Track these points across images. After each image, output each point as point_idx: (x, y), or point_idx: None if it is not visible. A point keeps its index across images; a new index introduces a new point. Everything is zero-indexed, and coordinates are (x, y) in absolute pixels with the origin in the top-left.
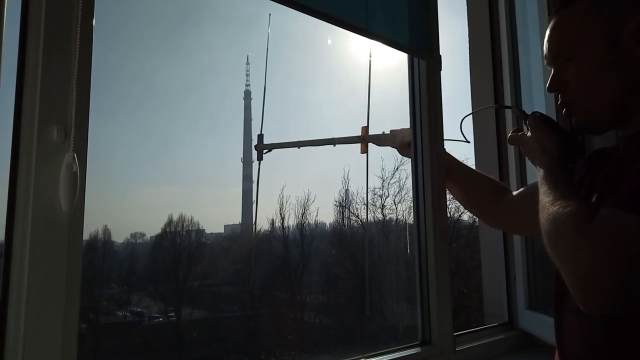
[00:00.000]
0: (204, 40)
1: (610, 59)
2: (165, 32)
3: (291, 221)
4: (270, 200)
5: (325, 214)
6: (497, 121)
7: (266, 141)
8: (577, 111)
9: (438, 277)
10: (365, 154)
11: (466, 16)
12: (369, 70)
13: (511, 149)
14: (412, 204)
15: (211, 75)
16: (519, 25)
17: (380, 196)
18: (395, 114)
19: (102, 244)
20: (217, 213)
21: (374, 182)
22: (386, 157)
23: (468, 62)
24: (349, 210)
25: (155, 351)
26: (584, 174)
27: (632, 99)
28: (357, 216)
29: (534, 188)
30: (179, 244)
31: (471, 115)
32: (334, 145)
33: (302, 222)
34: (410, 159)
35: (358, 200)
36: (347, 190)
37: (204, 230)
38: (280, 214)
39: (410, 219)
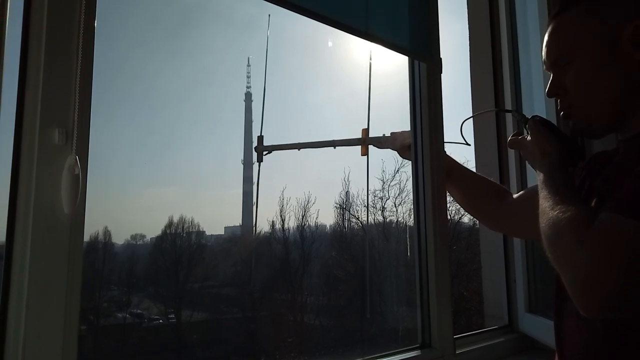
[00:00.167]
0: (205, 42)
1: (609, 63)
2: (167, 34)
3: (291, 223)
4: (271, 202)
5: (325, 216)
6: (498, 124)
7: (266, 143)
8: (576, 115)
9: (438, 280)
10: (366, 156)
11: (467, 18)
12: (369, 73)
13: (511, 152)
14: (412, 206)
15: (212, 76)
16: (520, 28)
17: (381, 198)
18: (395, 116)
19: (102, 246)
20: (217, 215)
21: (375, 184)
22: (387, 159)
23: (469, 65)
24: (350, 212)
25: (155, 353)
26: (584, 178)
27: (632, 103)
28: (358, 218)
29: (535, 191)
30: (179, 245)
31: (471, 118)
32: (335, 147)
33: (303, 224)
34: (410, 162)
35: (358, 203)
36: (347, 193)
37: (205, 231)
38: (281, 216)
39: (411, 222)
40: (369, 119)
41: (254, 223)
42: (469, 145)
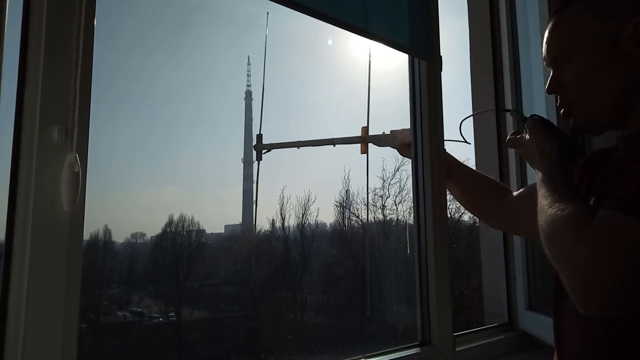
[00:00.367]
0: (205, 41)
1: (609, 60)
2: (166, 33)
3: (292, 221)
4: (271, 201)
5: (325, 214)
6: (498, 122)
7: (266, 141)
8: (575, 112)
9: (438, 278)
10: (366, 154)
11: (467, 16)
12: (369, 71)
13: (511, 151)
14: (412, 205)
15: (212, 75)
16: (520, 26)
17: (381, 197)
18: (395, 114)
19: (102, 244)
20: (217, 213)
21: (375, 183)
22: (387, 157)
23: (469, 63)
24: (350, 210)
25: (156, 351)
26: (583, 176)
27: (631, 100)
28: (358, 216)
29: (534, 189)
30: (179, 244)
31: (471, 117)
32: (334, 146)
33: (303, 222)
34: (410, 160)
35: (358, 201)
36: (347, 191)
37: (205, 230)
38: (281, 214)
39: (411, 220)
40: (368, 117)
41: (254, 221)
42: (469, 143)
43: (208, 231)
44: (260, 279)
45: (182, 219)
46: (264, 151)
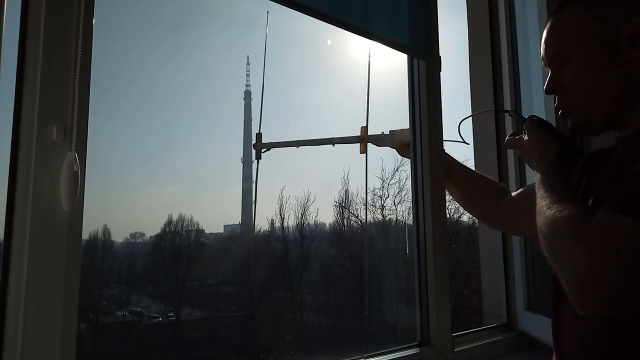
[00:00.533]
0: (205, 40)
1: (607, 61)
2: (166, 33)
3: (291, 221)
4: (270, 201)
5: (325, 215)
6: (497, 123)
7: (265, 140)
8: (573, 112)
9: (437, 278)
10: (365, 154)
11: (466, 17)
12: (368, 71)
13: (510, 151)
14: (411, 205)
15: (211, 75)
16: (519, 27)
17: (380, 197)
18: (394, 114)
19: (101, 244)
20: (216, 213)
21: (374, 183)
22: (386, 157)
23: (468, 63)
24: (349, 210)
25: (155, 351)
26: (581, 176)
27: (629, 100)
28: (357, 217)
29: (533, 189)
30: (178, 243)
31: (469, 118)
32: (333, 145)
33: (302, 222)
34: (409, 160)
35: (358, 201)
36: (347, 191)
37: (204, 230)
38: (280, 214)
39: (410, 220)
40: (367, 116)
41: (253, 221)
42: (468, 144)
43: (207, 231)
44: (259, 279)
45: (181, 218)
46: (263, 150)
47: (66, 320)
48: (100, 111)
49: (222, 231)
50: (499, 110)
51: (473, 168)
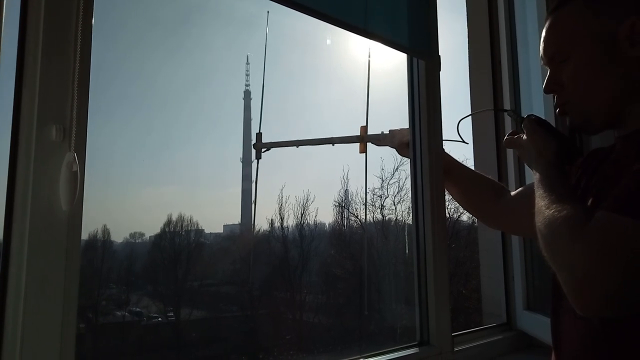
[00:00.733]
0: (204, 40)
1: (605, 60)
2: (166, 32)
3: (290, 221)
4: (270, 201)
5: (324, 214)
6: (496, 122)
7: (265, 140)
8: (572, 111)
9: (436, 278)
10: (364, 154)
11: (465, 16)
12: (368, 70)
13: (510, 151)
14: (411, 205)
15: (211, 75)
16: (519, 26)
17: (380, 196)
18: (394, 113)
19: (101, 244)
20: (216, 213)
21: (374, 183)
22: (385, 157)
23: (467, 63)
24: (349, 210)
25: (154, 351)
26: (580, 175)
27: (628, 99)
28: (357, 216)
29: (532, 188)
30: (178, 243)
31: (468, 117)
32: (333, 145)
33: (302, 222)
34: (409, 159)
35: (357, 201)
36: (346, 191)
37: (203, 230)
38: (280, 214)
39: (410, 220)
40: (367, 116)
41: (252, 221)
42: (467, 143)
43: (207, 231)
44: (259, 278)
45: (180, 218)
46: (263, 150)
47: (65, 320)
48: (100, 111)
49: (222, 231)
50: (498, 110)
51: (472, 168)
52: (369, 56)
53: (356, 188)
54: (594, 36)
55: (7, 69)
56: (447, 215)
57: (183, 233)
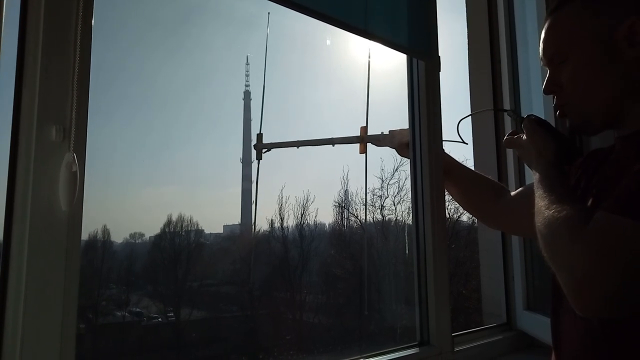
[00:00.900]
0: (204, 40)
1: (604, 60)
2: (166, 33)
3: (290, 221)
4: (270, 201)
5: (324, 215)
6: (496, 123)
7: (265, 141)
8: (572, 112)
9: (436, 278)
10: (364, 155)
11: (465, 17)
12: (367, 71)
13: (510, 151)
14: (411, 205)
15: (211, 75)
16: (518, 26)
17: (380, 197)
18: (394, 114)
19: (101, 244)
20: (216, 213)
21: (374, 183)
22: (385, 157)
23: (467, 63)
24: (348, 210)
25: (154, 351)
26: (580, 176)
27: (628, 100)
28: (357, 217)
29: (532, 188)
30: (178, 244)
31: (468, 117)
32: (333, 145)
33: (302, 222)
34: (409, 160)
35: (357, 201)
36: (346, 191)
37: (203, 230)
38: (280, 215)
39: (410, 220)
40: (367, 116)
41: (253, 221)
42: (467, 144)
43: (207, 231)
44: (259, 279)
45: (180, 219)
46: (264, 150)
47: (65, 321)
48: (100, 111)
49: (222, 231)
50: (497, 110)
51: (472, 168)
52: (369, 57)
53: (356, 188)
54: (593, 37)
55: (7, 69)
56: (447, 216)
57: (183, 233)
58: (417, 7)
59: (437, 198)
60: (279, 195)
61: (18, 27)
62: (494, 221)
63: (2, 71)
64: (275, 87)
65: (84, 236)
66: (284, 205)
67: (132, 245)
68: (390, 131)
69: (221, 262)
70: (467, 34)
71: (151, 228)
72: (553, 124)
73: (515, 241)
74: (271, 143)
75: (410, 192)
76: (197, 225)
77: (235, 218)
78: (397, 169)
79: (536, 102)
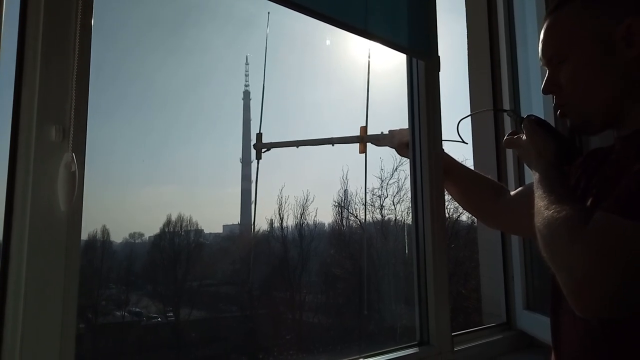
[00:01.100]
0: (204, 40)
1: (603, 61)
2: (165, 32)
3: (290, 221)
4: (269, 201)
5: (324, 214)
6: (496, 123)
7: (265, 141)
8: (571, 112)
9: (436, 278)
10: (364, 154)
11: (465, 17)
12: (367, 71)
13: (509, 151)
14: (410, 205)
15: (211, 75)
16: (518, 26)
17: (379, 197)
18: (393, 114)
19: (100, 244)
20: (215, 213)
21: (373, 183)
22: (385, 157)
23: (467, 63)
24: (348, 210)
25: (154, 351)
26: (580, 176)
27: (627, 100)
28: (356, 216)
29: (532, 188)
30: (177, 244)
31: (468, 117)
32: (333, 145)
33: (301, 222)
34: (408, 160)
35: (357, 201)
36: (345, 191)
37: (203, 230)
38: (279, 214)
39: (409, 220)
40: (367, 116)
41: (252, 221)
42: (466, 143)
43: (206, 231)
44: (258, 279)
45: (180, 219)
46: (263, 150)
47: (65, 320)
48: (99, 111)
49: (221, 231)
50: (497, 110)
51: (472, 168)
52: (369, 57)
53: (356, 188)
54: (592, 37)
55: (7, 69)
56: (447, 215)
57: (182, 233)
58: (417, 7)
59: (436, 198)
60: (278, 195)
61: (18, 27)
62: (494, 221)
63: (1, 71)
64: (274, 87)
65: (84, 236)
66: (283, 205)
67: (132, 245)
68: (390, 131)
69: (221, 262)
70: (466, 34)
71: (151, 228)
72: (553, 124)
73: (515, 241)
74: (271, 143)
75: (409, 191)
76: (197, 225)
77: (234, 218)
78: (396, 169)
79: (536, 102)
